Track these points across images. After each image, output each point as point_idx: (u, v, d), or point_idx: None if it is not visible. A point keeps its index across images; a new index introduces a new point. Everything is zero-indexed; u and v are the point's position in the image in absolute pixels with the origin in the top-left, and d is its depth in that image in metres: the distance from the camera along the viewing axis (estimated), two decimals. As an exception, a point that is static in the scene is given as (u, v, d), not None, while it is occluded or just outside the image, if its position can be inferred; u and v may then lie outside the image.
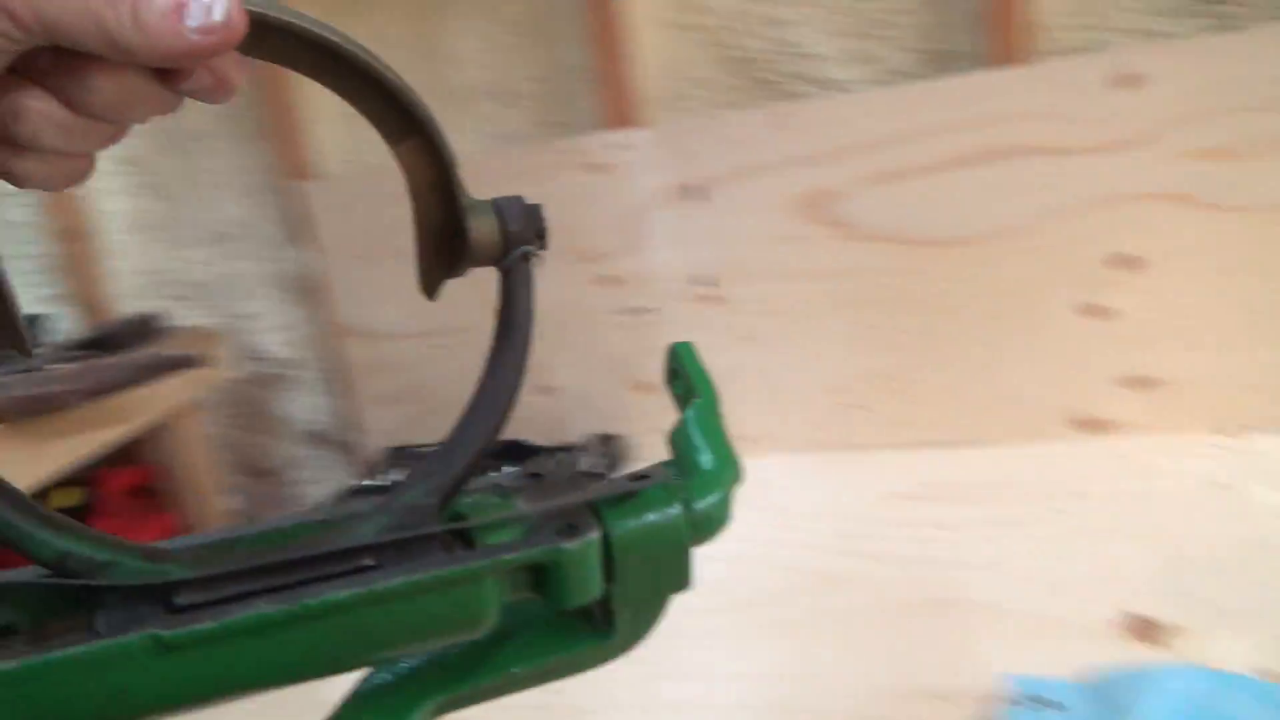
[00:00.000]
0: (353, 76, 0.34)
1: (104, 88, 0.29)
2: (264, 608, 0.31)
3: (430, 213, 0.38)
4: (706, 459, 0.41)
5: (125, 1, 0.27)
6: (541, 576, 0.36)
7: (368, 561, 0.34)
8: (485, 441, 0.38)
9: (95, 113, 0.30)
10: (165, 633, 0.29)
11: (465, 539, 0.36)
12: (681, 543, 0.38)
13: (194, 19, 0.28)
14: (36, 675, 0.28)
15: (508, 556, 0.35)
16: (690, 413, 0.43)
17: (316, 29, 0.32)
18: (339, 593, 0.32)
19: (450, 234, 0.38)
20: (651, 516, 0.38)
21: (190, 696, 0.30)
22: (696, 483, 0.40)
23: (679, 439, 0.43)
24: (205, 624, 0.30)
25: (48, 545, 0.31)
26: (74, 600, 0.31)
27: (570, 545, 0.35)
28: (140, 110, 0.31)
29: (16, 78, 0.29)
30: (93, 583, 0.31)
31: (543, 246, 0.39)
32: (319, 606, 0.32)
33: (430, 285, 0.40)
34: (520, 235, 0.38)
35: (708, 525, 0.39)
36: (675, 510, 0.38)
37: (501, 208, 0.38)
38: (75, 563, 0.31)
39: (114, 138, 0.32)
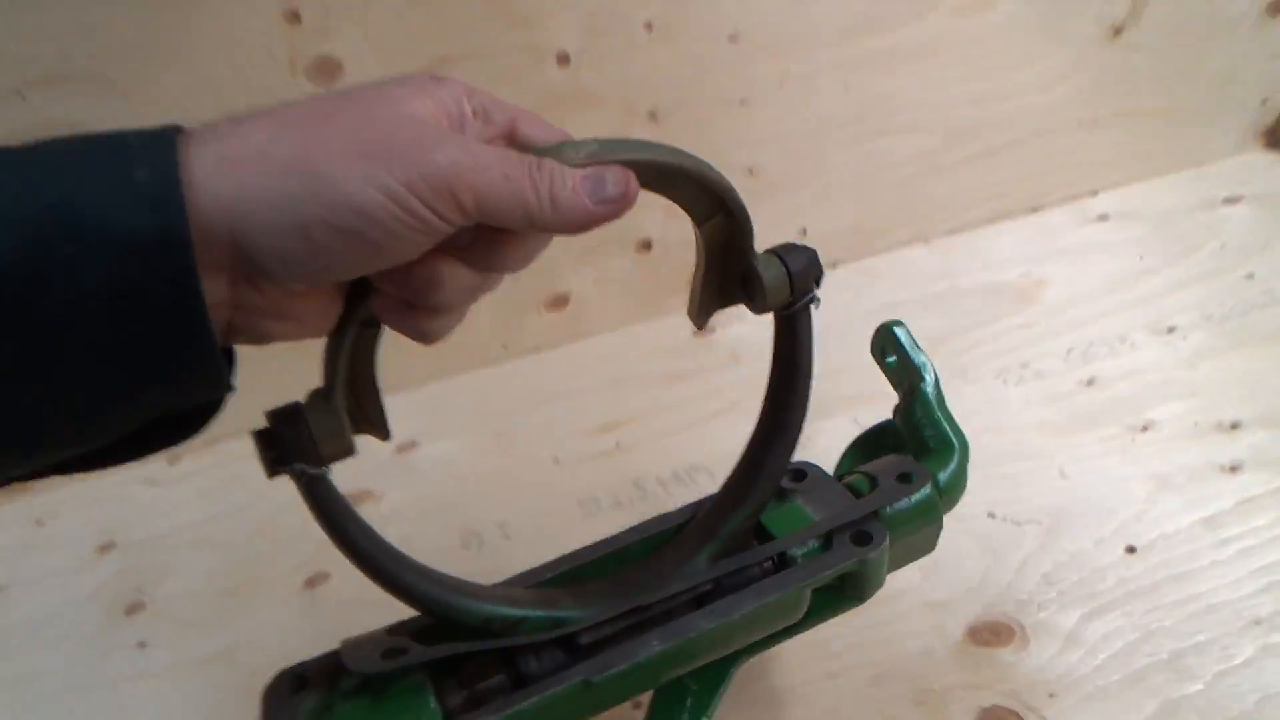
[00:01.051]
0: (684, 181, 0.38)
1: (513, 253, 0.34)
2: (656, 645, 0.41)
3: (719, 266, 0.42)
4: (938, 437, 0.49)
5: (545, 186, 0.31)
6: (846, 578, 0.45)
7: (705, 586, 0.44)
8: (780, 472, 0.47)
9: (498, 272, 0.35)
10: (594, 678, 0.39)
11: (781, 557, 0.45)
12: (938, 519, 0.47)
13: (595, 195, 0.33)
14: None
15: (825, 573, 0.44)
16: (917, 394, 0.50)
17: (666, 158, 0.37)
18: (709, 624, 0.42)
19: (733, 280, 0.43)
20: (920, 510, 0.46)
21: (596, 711, 0.41)
22: (937, 461, 0.48)
23: (909, 418, 0.51)
24: (621, 666, 0.40)
25: (472, 613, 0.40)
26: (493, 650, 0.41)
27: (873, 555, 0.44)
28: (529, 261, 0.36)
29: (438, 251, 0.32)
30: (520, 641, 0.41)
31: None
32: (696, 639, 0.41)
33: (703, 318, 0.45)
34: (803, 282, 0.42)
35: (953, 496, 0.48)
36: (931, 495, 0.47)
37: (784, 257, 0.42)
38: (498, 624, 0.41)
39: (492, 289, 0.37)
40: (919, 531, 0.47)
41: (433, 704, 0.38)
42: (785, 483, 0.49)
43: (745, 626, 0.43)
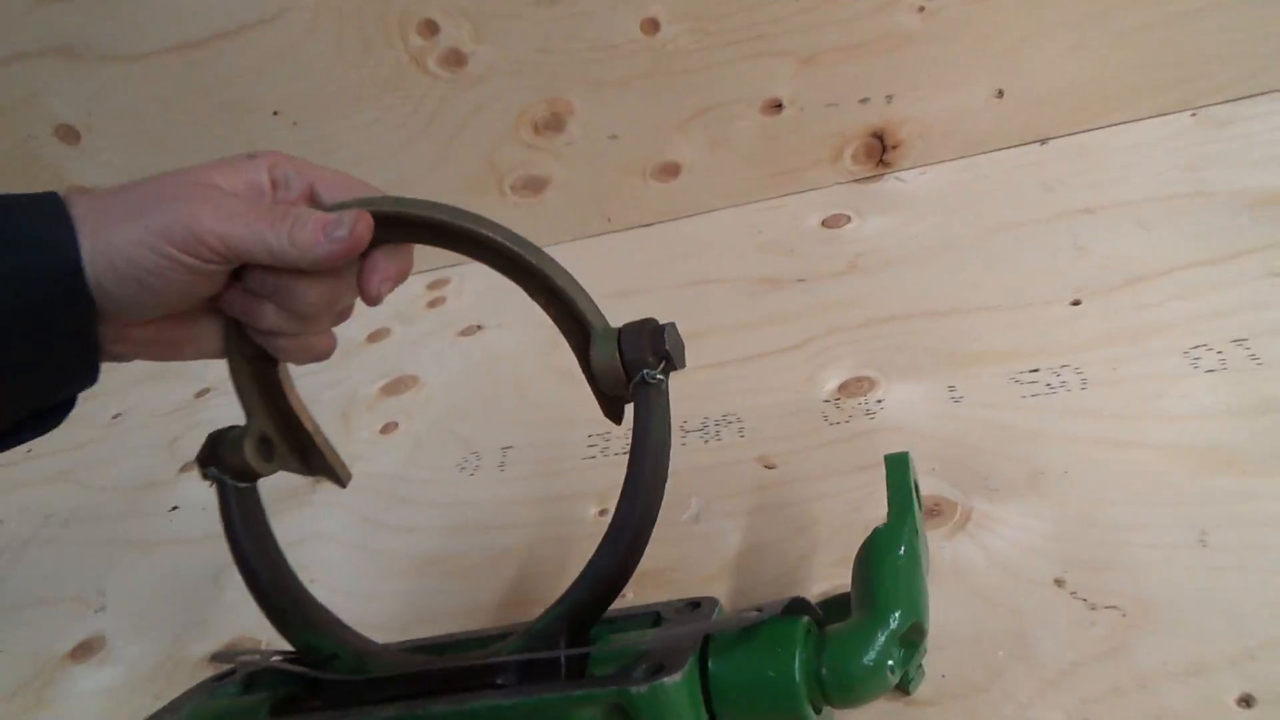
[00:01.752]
0: (476, 247, 0.41)
1: (305, 295, 0.39)
2: (395, 712, 0.37)
3: (582, 351, 0.41)
4: (864, 604, 0.37)
5: (285, 226, 0.37)
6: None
7: (499, 680, 0.37)
8: (618, 571, 0.38)
9: (304, 312, 0.40)
10: None
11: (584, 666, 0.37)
12: (795, 696, 0.34)
13: (328, 233, 0.38)
14: None
15: (580, 693, 0.34)
16: (872, 537, 0.39)
17: (425, 211, 0.40)
18: (446, 707, 0.36)
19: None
20: (759, 660, 0.34)
21: None
22: (836, 631, 0.35)
23: (856, 570, 0.40)
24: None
25: (298, 637, 0.42)
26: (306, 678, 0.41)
27: (638, 689, 0.33)
28: (338, 305, 0.42)
29: (249, 294, 0.40)
30: (320, 675, 0.40)
31: (669, 368, 0.39)
32: (427, 715, 0.36)
33: (614, 414, 0.42)
34: (636, 361, 0.38)
35: (838, 687, 0.34)
36: (790, 656, 0.34)
37: (621, 333, 0.39)
38: (314, 654, 0.41)
39: (336, 322, 0.44)
40: (763, 697, 0.34)
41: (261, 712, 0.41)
42: (669, 613, 0.41)
43: None
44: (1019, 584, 0.45)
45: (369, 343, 0.82)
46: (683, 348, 0.40)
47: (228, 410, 0.79)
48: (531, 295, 0.42)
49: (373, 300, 0.41)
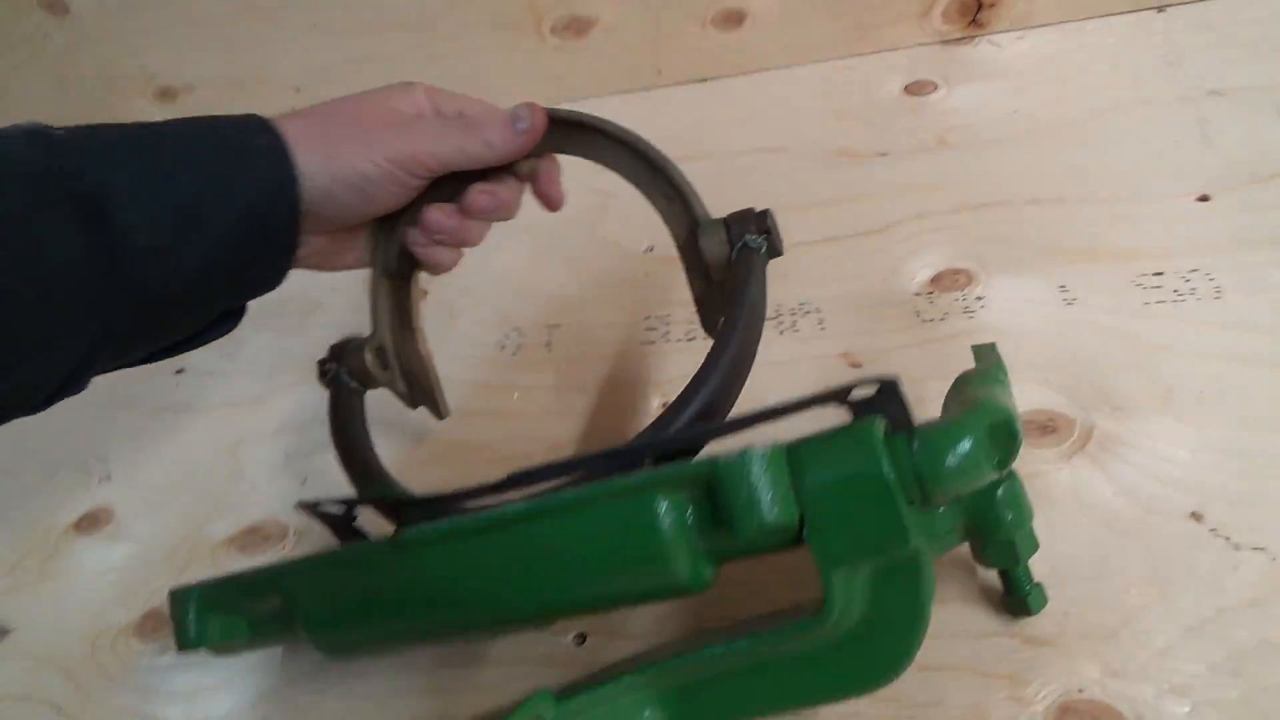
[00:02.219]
0: (630, 158, 0.46)
1: (479, 197, 0.46)
2: (454, 521, 0.37)
3: (693, 257, 0.45)
4: (960, 409, 0.35)
5: (476, 133, 0.44)
6: (718, 498, 0.33)
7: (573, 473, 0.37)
8: (710, 405, 0.38)
9: (475, 214, 0.46)
10: (401, 537, 0.38)
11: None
12: (884, 483, 0.32)
13: (516, 128, 0.44)
14: (332, 565, 0.40)
15: (667, 471, 0.34)
16: (962, 375, 0.39)
17: (595, 121, 0.46)
18: (513, 507, 0.36)
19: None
20: (843, 454, 0.33)
21: (422, 591, 0.38)
22: (927, 426, 0.33)
23: (946, 400, 0.39)
24: (426, 531, 0.37)
25: (376, 491, 0.45)
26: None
27: (726, 459, 0.32)
28: (502, 212, 0.47)
29: (428, 201, 0.46)
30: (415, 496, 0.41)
31: (771, 244, 0.44)
32: (494, 517, 0.36)
33: (710, 323, 0.46)
34: (740, 234, 0.43)
35: (935, 477, 0.32)
36: (873, 448, 0.32)
37: (728, 219, 0.44)
38: (391, 499, 0.41)
39: (482, 235, 0.48)
40: (850, 483, 0.32)
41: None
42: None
43: (567, 526, 0.35)
44: (1152, 516, 0.40)
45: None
46: (778, 231, 0.44)
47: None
48: (644, 191, 0.46)
49: (555, 205, 0.48)
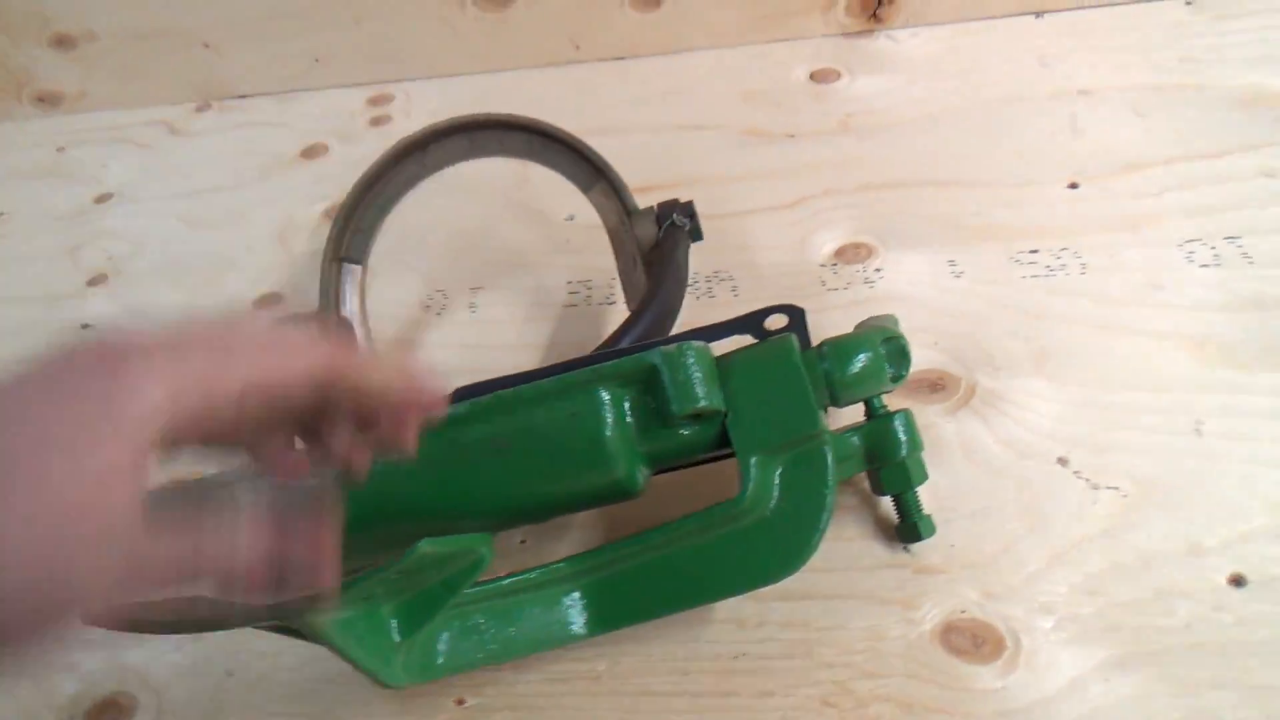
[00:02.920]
0: (570, 158, 0.53)
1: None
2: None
3: (623, 241, 0.51)
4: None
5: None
6: (655, 390, 0.38)
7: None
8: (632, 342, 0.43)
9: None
10: None
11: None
12: (799, 374, 0.39)
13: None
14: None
15: (610, 362, 0.38)
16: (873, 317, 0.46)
17: (537, 124, 0.53)
18: (464, 405, 0.38)
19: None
20: (763, 351, 0.40)
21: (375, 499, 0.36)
22: (835, 338, 0.41)
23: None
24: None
25: None
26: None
27: (666, 349, 0.38)
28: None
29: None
30: None
31: (693, 223, 0.52)
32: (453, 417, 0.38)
33: (633, 299, 0.51)
34: (666, 218, 0.50)
35: (840, 378, 0.40)
36: (790, 344, 0.40)
37: (659, 209, 0.51)
38: None
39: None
40: (766, 369, 0.39)
41: None
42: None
43: (521, 418, 0.38)
44: (1025, 461, 0.46)
45: (304, 159, 0.74)
46: (699, 221, 0.52)
47: (143, 221, 0.71)
48: (580, 186, 0.52)
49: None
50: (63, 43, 0.80)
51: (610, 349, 0.42)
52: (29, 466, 0.22)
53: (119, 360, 0.23)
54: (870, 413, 0.42)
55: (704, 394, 0.37)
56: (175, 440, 0.24)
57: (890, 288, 0.55)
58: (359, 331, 0.54)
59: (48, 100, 0.83)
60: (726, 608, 0.42)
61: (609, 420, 0.38)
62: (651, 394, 0.38)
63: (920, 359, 0.50)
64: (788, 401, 0.38)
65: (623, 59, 0.77)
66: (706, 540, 0.38)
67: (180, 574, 0.25)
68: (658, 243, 0.49)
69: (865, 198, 0.61)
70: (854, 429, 0.42)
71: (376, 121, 0.77)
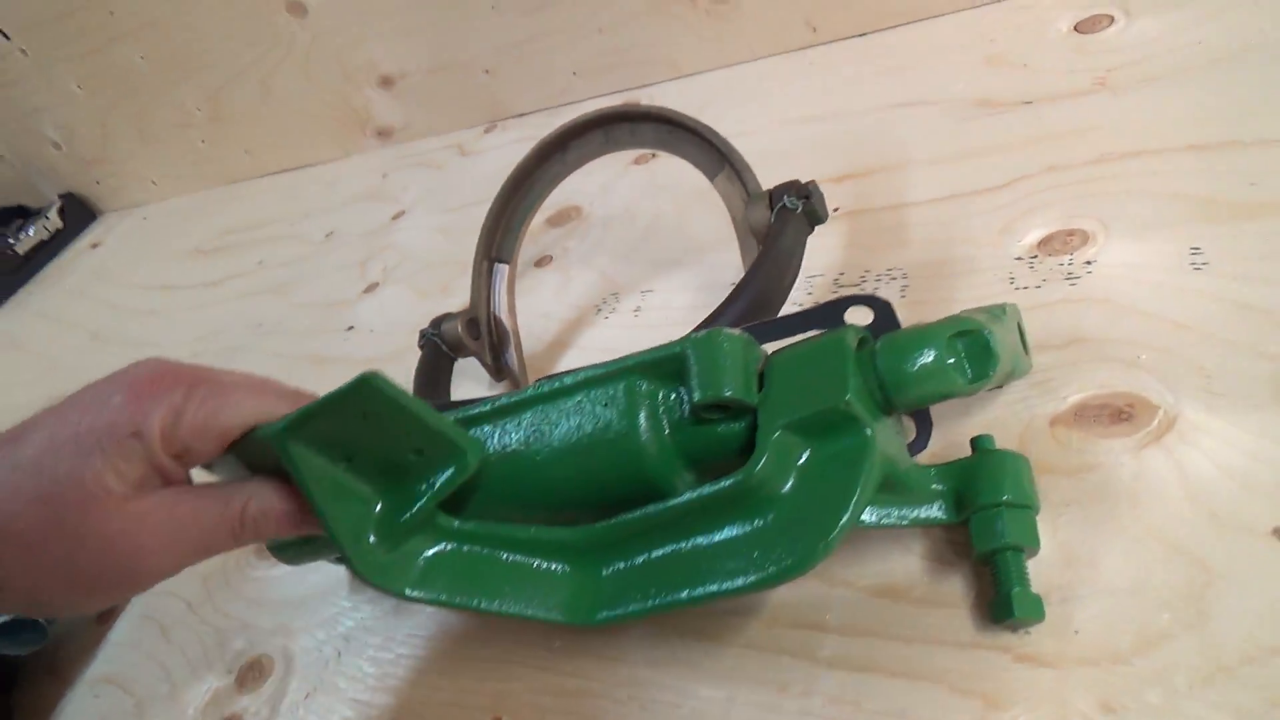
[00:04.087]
0: (696, 145, 0.48)
1: None
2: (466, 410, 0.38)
3: (744, 231, 0.47)
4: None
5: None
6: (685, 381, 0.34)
7: None
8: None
9: None
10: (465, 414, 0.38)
11: None
12: (843, 354, 0.32)
13: None
14: None
15: (642, 353, 0.35)
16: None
17: (665, 113, 0.49)
18: (508, 399, 0.37)
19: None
20: (812, 343, 0.34)
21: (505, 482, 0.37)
22: (893, 332, 0.34)
23: None
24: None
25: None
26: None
27: (697, 335, 0.34)
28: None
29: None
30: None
31: (809, 204, 0.44)
32: (496, 405, 0.37)
33: None
34: (780, 196, 0.44)
35: (893, 377, 0.32)
36: (845, 341, 0.33)
37: (771, 192, 0.45)
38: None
39: None
40: (812, 361, 0.33)
41: None
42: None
43: (561, 409, 0.36)
44: (1221, 528, 0.32)
45: (548, 169, 0.77)
46: (823, 201, 0.45)
47: (415, 234, 0.80)
48: (707, 174, 0.49)
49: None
50: (386, 82, 0.92)
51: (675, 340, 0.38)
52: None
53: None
54: (974, 450, 0.33)
55: (729, 383, 0.32)
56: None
57: (1097, 285, 0.42)
58: (507, 325, 0.55)
59: (383, 134, 0.97)
60: (772, 664, 0.35)
61: (640, 414, 0.34)
62: (684, 388, 0.34)
63: (1107, 379, 0.38)
64: (820, 378, 0.32)
65: (864, 34, 0.69)
66: (705, 521, 0.33)
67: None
68: (769, 228, 0.43)
69: (1098, 171, 0.48)
70: (941, 465, 0.33)
71: (617, 128, 0.77)
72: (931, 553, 0.36)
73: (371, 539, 0.34)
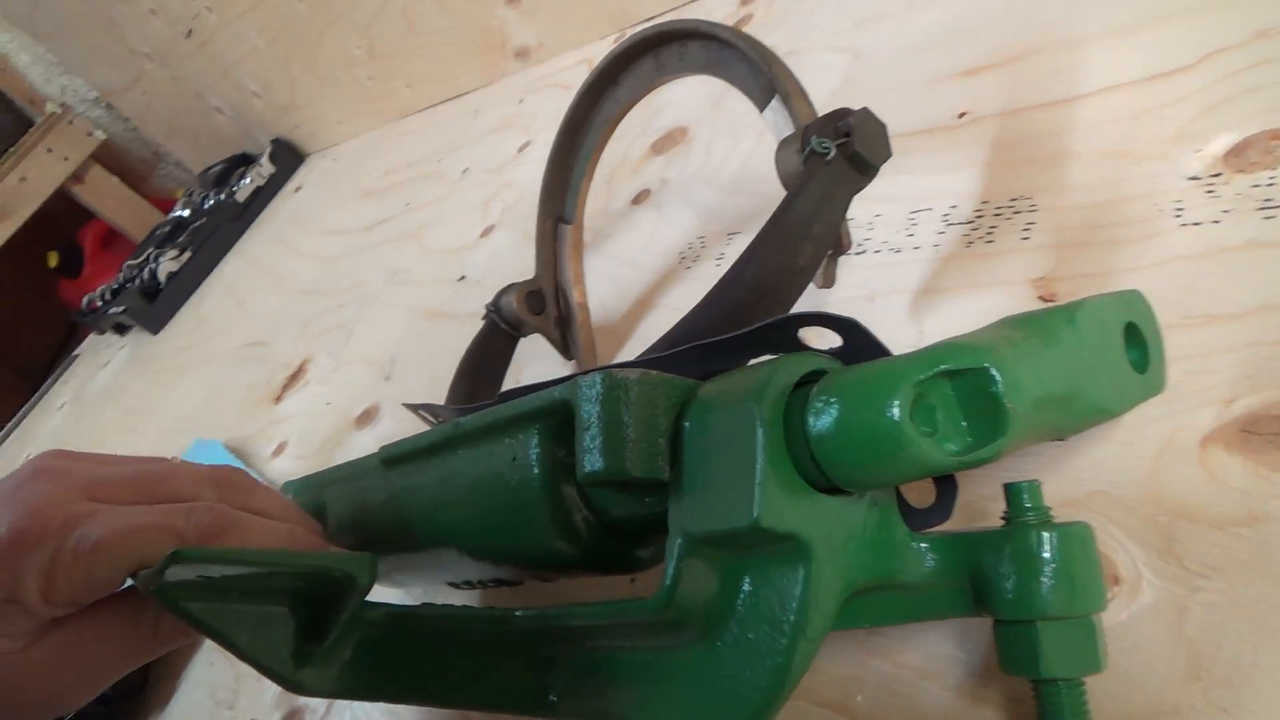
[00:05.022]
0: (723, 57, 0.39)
1: None
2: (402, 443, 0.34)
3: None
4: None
5: None
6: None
7: None
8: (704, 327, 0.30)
9: None
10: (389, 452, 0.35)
11: None
12: (750, 434, 0.22)
13: None
14: (349, 475, 0.38)
15: (522, 401, 0.28)
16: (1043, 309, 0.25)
17: (704, 27, 0.39)
18: (434, 435, 0.33)
19: None
20: (740, 381, 0.24)
21: (405, 505, 0.34)
22: (838, 372, 0.24)
23: None
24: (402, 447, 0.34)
25: None
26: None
27: (585, 381, 0.25)
28: None
29: None
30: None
31: (849, 144, 0.32)
32: (424, 440, 0.33)
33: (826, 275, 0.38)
34: (817, 131, 0.32)
35: (821, 441, 0.22)
36: (769, 384, 0.23)
37: (809, 127, 0.33)
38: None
39: None
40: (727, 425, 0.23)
41: None
42: None
43: (460, 457, 0.30)
44: None
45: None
46: (883, 135, 0.32)
47: (535, 169, 0.74)
48: (750, 96, 0.38)
49: None
50: (511, 1, 0.85)
51: (625, 363, 0.29)
52: None
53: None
54: (1008, 512, 0.23)
55: (628, 457, 0.24)
56: None
57: (1307, 219, 0.28)
58: (573, 297, 0.48)
59: (522, 54, 0.91)
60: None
61: (533, 472, 0.27)
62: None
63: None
64: (731, 471, 0.22)
65: None
66: (600, 654, 0.25)
67: None
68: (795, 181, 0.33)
69: (1334, 35, 0.32)
70: (944, 539, 0.23)
71: (742, 22, 0.66)
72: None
73: (301, 658, 0.30)
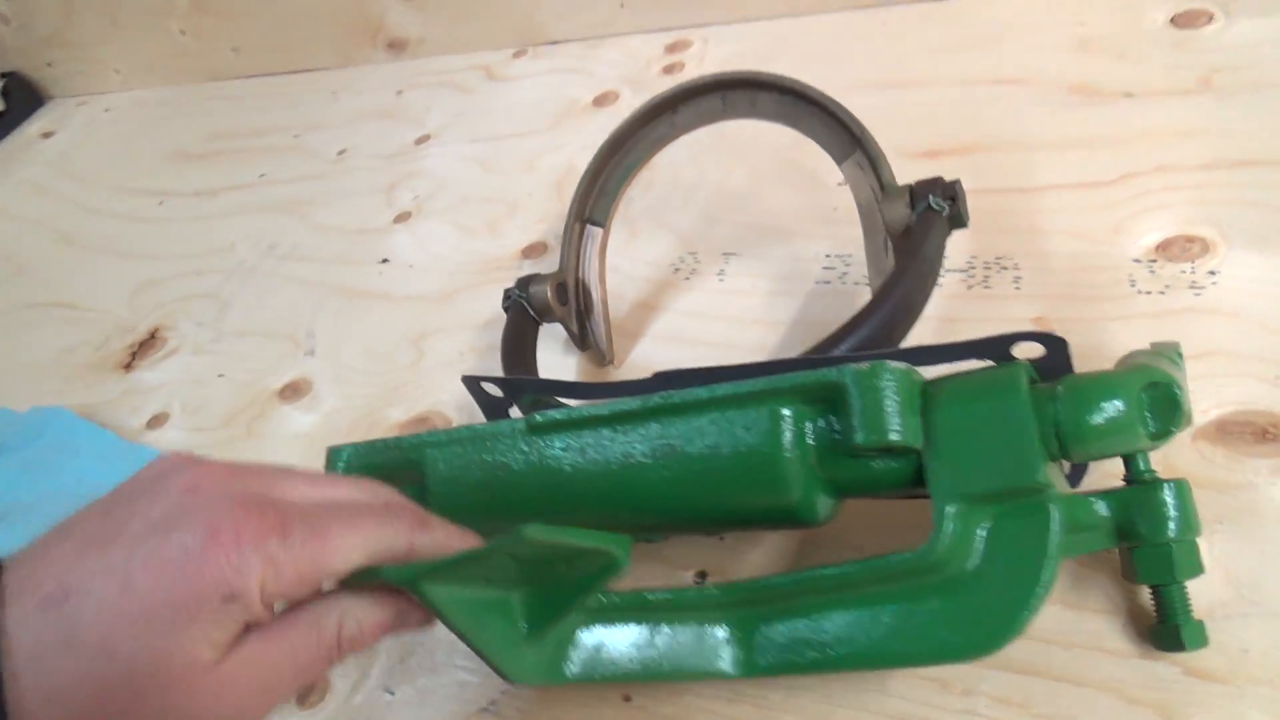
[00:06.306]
0: (825, 122, 0.46)
1: None
2: (587, 408, 0.37)
3: (874, 221, 0.44)
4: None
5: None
6: (841, 413, 0.33)
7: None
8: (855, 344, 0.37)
9: None
10: (533, 418, 0.38)
11: None
12: (1019, 413, 0.31)
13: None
14: (467, 441, 0.39)
15: (794, 375, 0.33)
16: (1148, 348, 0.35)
17: (795, 85, 0.47)
18: (642, 400, 0.35)
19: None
20: (982, 381, 0.33)
21: (544, 479, 0.37)
22: (1078, 375, 0.33)
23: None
24: (556, 415, 0.37)
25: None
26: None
27: (857, 367, 0.32)
28: None
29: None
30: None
31: (954, 207, 0.42)
32: (622, 408, 0.36)
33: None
34: (923, 194, 0.42)
35: (1073, 427, 0.31)
36: (1018, 380, 0.32)
37: (914, 188, 0.43)
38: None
39: None
40: (982, 412, 0.32)
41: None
42: None
43: (690, 425, 0.35)
44: (1381, 555, 0.34)
45: (595, 107, 0.74)
46: (965, 202, 0.43)
47: (447, 163, 0.76)
48: (845, 168, 0.46)
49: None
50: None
51: (816, 354, 0.37)
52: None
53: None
54: (1131, 475, 0.34)
55: (895, 427, 0.31)
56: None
57: (1224, 298, 0.43)
58: (596, 294, 0.53)
59: (396, 46, 0.91)
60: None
61: (785, 441, 0.33)
62: (837, 417, 0.33)
63: (1246, 396, 0.39)
64: (1002, 443, 0.31)
65: None
66: (881, 593, 0.32)
67: None
68: (909, 228, 0.42)
69: (1212, 178, 0.48)
70: (1104, 494, 0.33)
71: (669, 69, 0.75)
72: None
73: (521, 646, 0.33)
